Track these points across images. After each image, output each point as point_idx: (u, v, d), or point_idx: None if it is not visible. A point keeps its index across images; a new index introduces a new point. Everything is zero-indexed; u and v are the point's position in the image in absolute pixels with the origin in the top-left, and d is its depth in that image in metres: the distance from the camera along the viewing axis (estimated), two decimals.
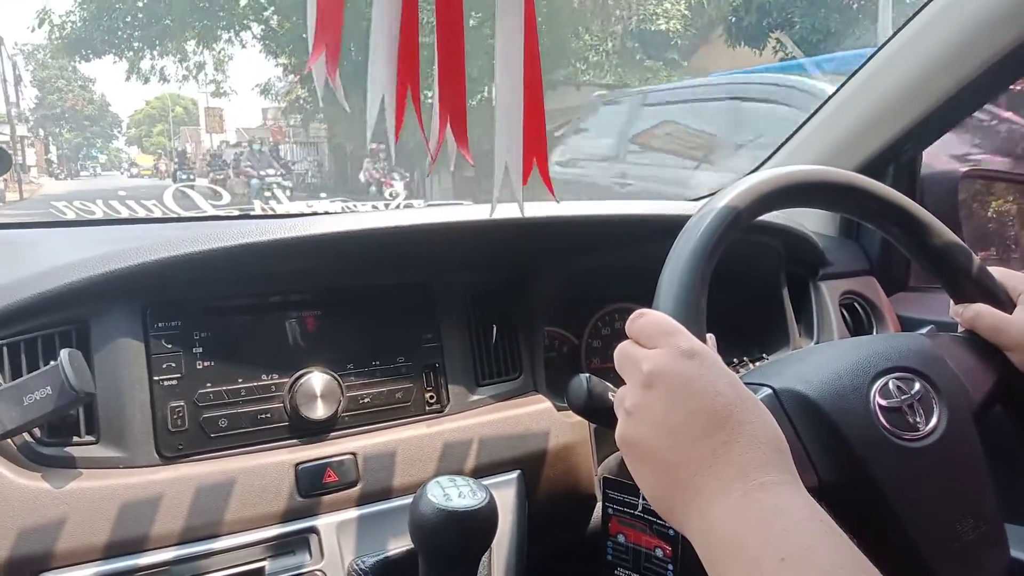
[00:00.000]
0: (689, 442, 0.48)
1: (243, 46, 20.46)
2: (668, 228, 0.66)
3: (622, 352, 0.55)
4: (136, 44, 20.00)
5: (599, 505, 0.91)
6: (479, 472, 0.86)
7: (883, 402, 0.61)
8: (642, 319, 0.55)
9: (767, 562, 0.42)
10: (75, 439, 0.73)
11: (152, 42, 19.95)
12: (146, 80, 21.48)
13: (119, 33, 19.43)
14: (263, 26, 18.61)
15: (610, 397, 0.66)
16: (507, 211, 0.94)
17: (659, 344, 0.52)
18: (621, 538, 0.77)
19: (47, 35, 20.01)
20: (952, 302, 0.72)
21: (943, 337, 0.70)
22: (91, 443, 0.74)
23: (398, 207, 1.32)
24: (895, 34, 1.14)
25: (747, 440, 0.48)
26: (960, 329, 0.72)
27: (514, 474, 0.89)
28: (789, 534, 0.44)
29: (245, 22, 18.97)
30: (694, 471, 0.48)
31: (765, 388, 0.62)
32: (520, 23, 0.46)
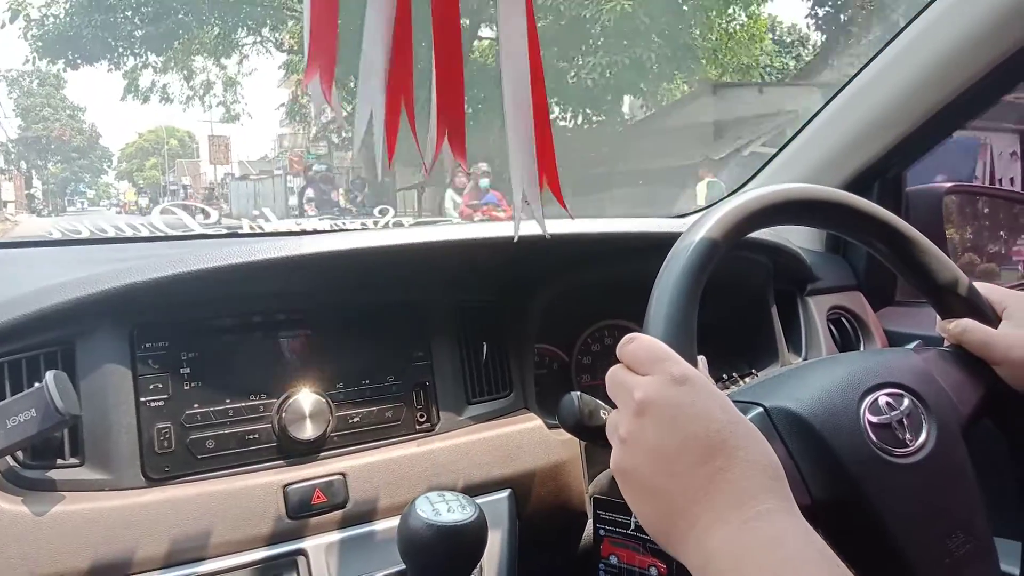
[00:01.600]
0: (684, 469, 0.48)
1: (270, 51, 17.93)
2: (657, 245, 0.66)
3: (614, 378, 0.55)
4: (137, 47, 16.45)
5: (590, 523, 0.91)
6: (470, 491, 0.85)
7: (873, 419, 0.61)
8: (633, 344, 0.55)
9: None
10: (59, 462, 0.72)
11: (158, 46, 16.42)
12: (146, 99, 18.63)
13: (116, 31, 15.82)
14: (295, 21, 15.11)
15: (602, 415, 0.65)
16: (495, 230, 0.94)
17: (650, 370, 0.52)
18: (614, 559, 0.76)
19: (22, 32, 15.96)
20: (938, 317, 0.73)
21: (930, 352, 0.70)
22: (75, 466, 0.73)
23: (387, 225, 1.31)
24: (879, 52, 1.16)
25: (742, 466, 0.48)
26: (946, 344, 0.72)
27: (505, 493, 0.88)
28: (787, 564, 0.44)
29: (270, 22, 15.80)
30: (690, 499, 0.48)
31: (756, 407, 0.62)
32: (524, 41, 0.46)
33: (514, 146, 0.46)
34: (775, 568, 0.43)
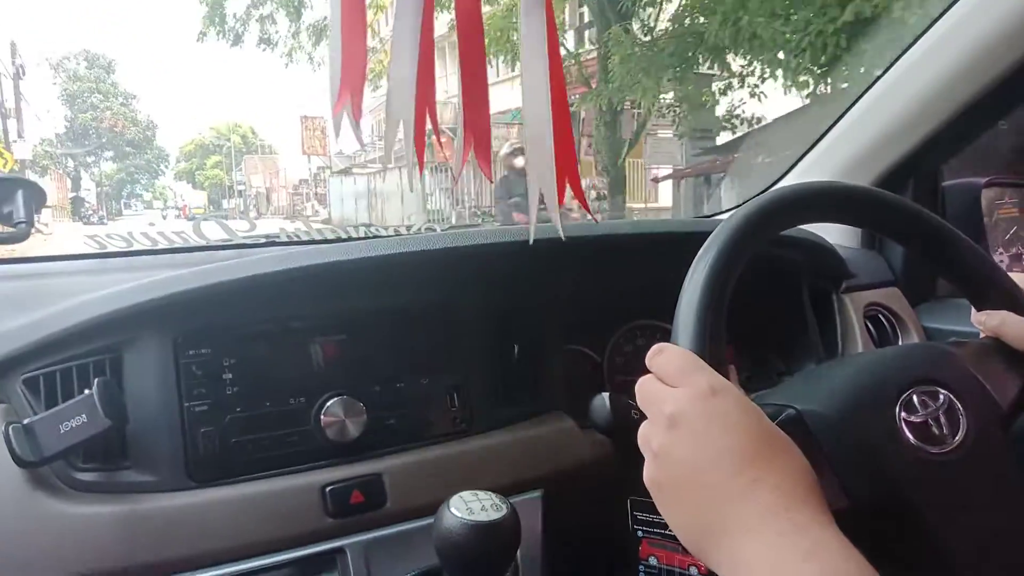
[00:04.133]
0: (718, 482, 0.48)
1: None
2: (686, 244, 0.66)
3: (644, 389, 0.55)
4: None
5: (624, 523, 0.91)
6: (503, 491, 0.86)
7: (909, 417, 0.60)
8: (662, 355, 0.55)
9: None
10: (109, 464, 0.75)
11: None
12: (235, 39, 12.73)
13: None
14: None
15: (633, 415, 0.66)
16: (523, 234, 0.95)
17: (681, 383, 0.52)
18: (653, 560, 0.76)
19: None
20: (974, 309, 0.72)
21: (965, 345, 0.69)
22: (124, 468, 0.76)
23: (419, 231, 1.33)
24: (912, 44, 1.14)
25: (776, 478, 0.47)
26: (982, 336, 0.71)
27: (537, 493, 0.89)
28: None
29: None
30: (724, 511, 0.47)
31: (789, 409, 0.61)
32: (543, 44, 0.46)
33: (532, 153, 0.46)
34: None
